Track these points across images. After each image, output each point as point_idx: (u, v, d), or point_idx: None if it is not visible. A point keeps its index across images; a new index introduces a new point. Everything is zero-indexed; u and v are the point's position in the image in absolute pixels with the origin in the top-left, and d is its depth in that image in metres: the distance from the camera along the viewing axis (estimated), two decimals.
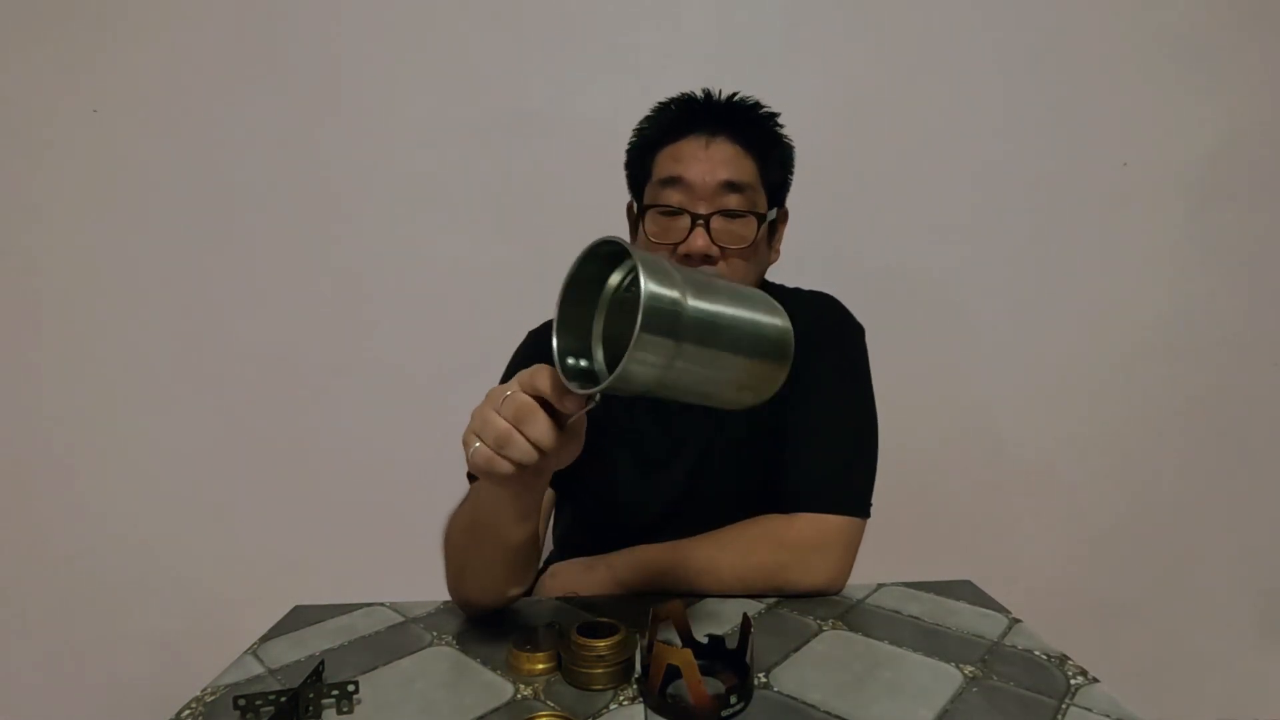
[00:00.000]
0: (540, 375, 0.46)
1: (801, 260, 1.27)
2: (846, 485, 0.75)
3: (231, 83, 1.20)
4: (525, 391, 0.45)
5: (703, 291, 0.44)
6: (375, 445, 1.27)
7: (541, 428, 0.45)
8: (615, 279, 0.49)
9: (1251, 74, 1.27)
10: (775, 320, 0.50)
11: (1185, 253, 1.31)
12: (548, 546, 0.95)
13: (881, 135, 1.26)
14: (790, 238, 1.26)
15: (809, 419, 0.77)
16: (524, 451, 0.45)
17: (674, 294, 0.41)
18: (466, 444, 0.47)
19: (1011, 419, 1.33)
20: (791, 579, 0.71)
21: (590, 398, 0.44)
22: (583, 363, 0.48)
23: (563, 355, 0.47)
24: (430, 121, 1.22)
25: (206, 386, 1.25)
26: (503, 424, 0.45)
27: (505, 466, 0.46)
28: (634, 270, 0.41)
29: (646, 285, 0.40)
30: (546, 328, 0.86)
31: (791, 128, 1.23)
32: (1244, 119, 1.28)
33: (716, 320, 0.44)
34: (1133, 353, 1.33)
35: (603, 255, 0.46)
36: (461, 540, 0.61)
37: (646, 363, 0.41)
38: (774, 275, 0.89)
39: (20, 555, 1.25)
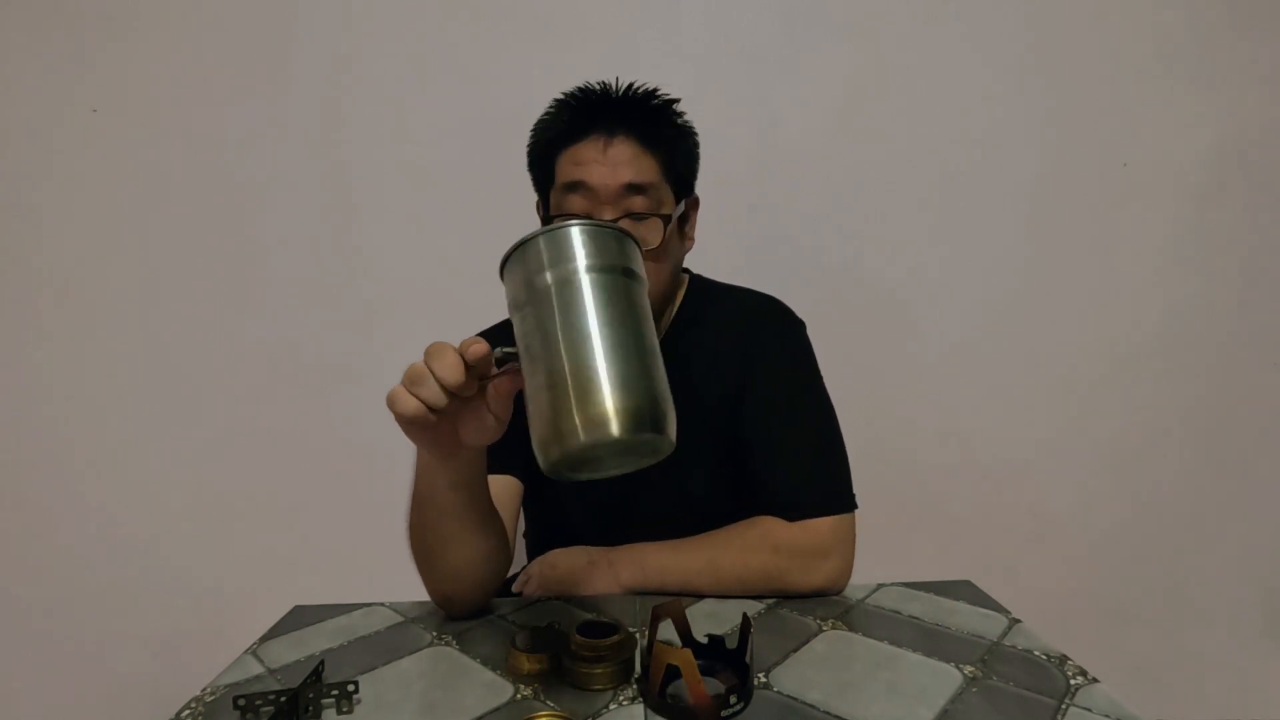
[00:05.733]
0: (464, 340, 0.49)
1: (798, 261, 1.27)
2: (829, 484, 0.75)
3: (231, 82, 1.20)
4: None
5: (609, 293, 0.45)
6: (376, 445, 1.27)
7: (449, 362, 0.48)
8: None
9: (1251, 74, 1.27)
10: (609, 398, 0.41)
11: (1185, 253, 1.31)
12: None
13: (879, 136, 1.26)
14: (788, 238, 1.27)
15: (777, 424, 0.77)
16: (433, 392, 0.48)
17: (589, 256, 0.45)
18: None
19: (1012, 419, 1.33)
20: (794, 582, 0.71)
21: (502, 355, 0.48)
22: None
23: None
24: (430, 121, 1.22)
25: (206, 386, 1.25)
26: (419, 365, 0.49)
27: (411, 403, 0.49)
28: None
29: (581, 222, 0.46)
30: (503, 327, 0.86)
31: (789, 127, 1.25)
32: (1244, 119, 1.28)
33: (584, 312, 0.44)
34: (1133, 352, 1.33)
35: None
36: (414, 525, 0.62)
37: (534, 262, 0.45)
38: (749, 275, 0.88)
39: (20, 555, 1.25)
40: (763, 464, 0.76)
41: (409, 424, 0.51)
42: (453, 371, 0.48)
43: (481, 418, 0.53)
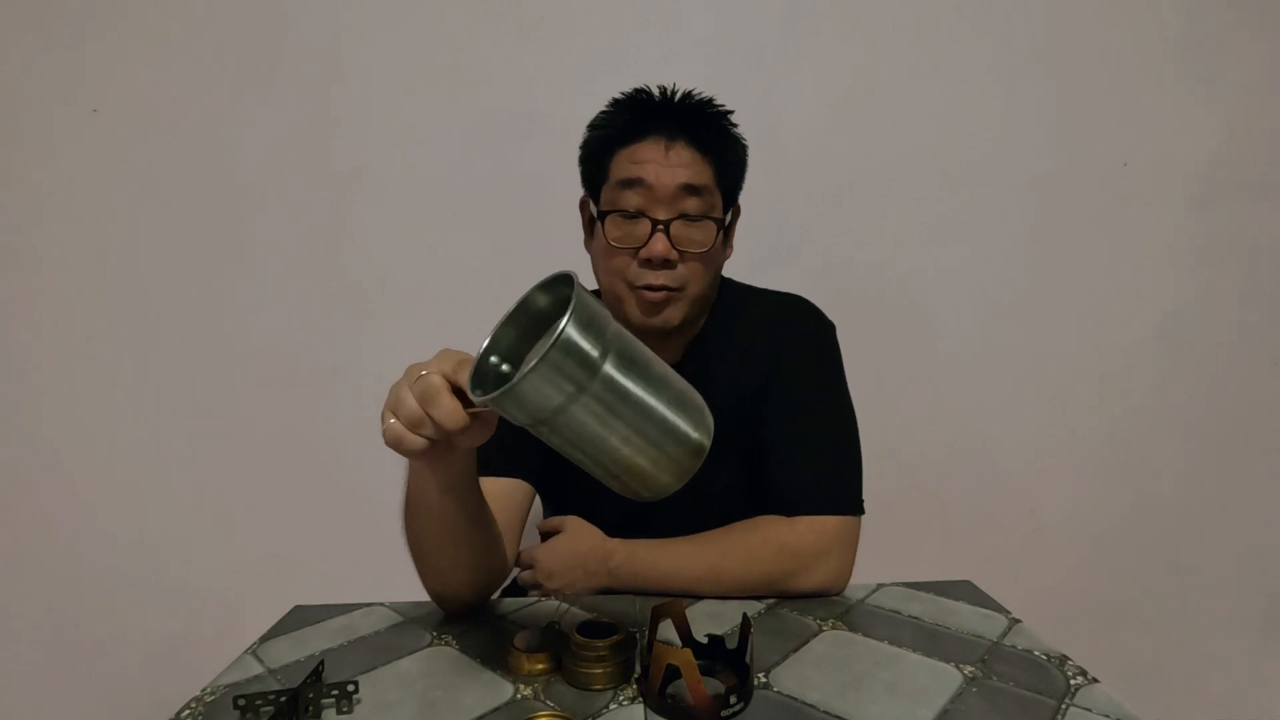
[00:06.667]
0: (457, 361, 0.47)
1: (798, 260, 1.27)
2: (841, 486, 0.77)
3: (232, 82, 1.20)
4: (439, 373, 0.46)
5: (629, 364, 0.43)
6: (375, 445, 1.26)
7: (447, 410, 0.45)
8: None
9: (1251, 74, 1.27)
10: (692, 433, 0.46)
11: (1185, 253, 1.31)
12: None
13: (880, 135, 1.26)
14: (788, 237, 1.27)
15: (794, 422, 0.79)
16: (430, 431, 0.47)
17: (592, 350, 0.41)
18: (383, 419, 0.48)
19: (1012, 419, 1.33)
20: (796, 584, 0.72)
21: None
22: (505, 367, 0.48)
23: (492, 354, 0.48)
24: (430, 121, 1.22)
25: (207, 386, 1.25)
26: (414, 404, 0.46)
27: (414, 443, 0.47)
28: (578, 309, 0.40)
29: (566, 330, 0.39)
30: None
31: (790, 127, 1.25)
32: (1244, 119, 1.28)
33: (626, 397, 0.43)
34: (1133, 352, 1.33)
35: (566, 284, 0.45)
36: (407, 523, 0.62)
37: (535, 396, 0.40)
38: (750, 274, 0.89)
39: (20, 555, 1.25)
40: (775, 461, 0.78)
41: (408, 456, 0.50)
42: (452, 419, 0.45)
43: (478, 432, 0.50)
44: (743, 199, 0.83)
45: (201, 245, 1.23)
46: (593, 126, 0.78)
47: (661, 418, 0.44)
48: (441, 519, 0.59)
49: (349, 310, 1.25)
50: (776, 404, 0.79)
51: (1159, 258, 1.31)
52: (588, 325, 0.41)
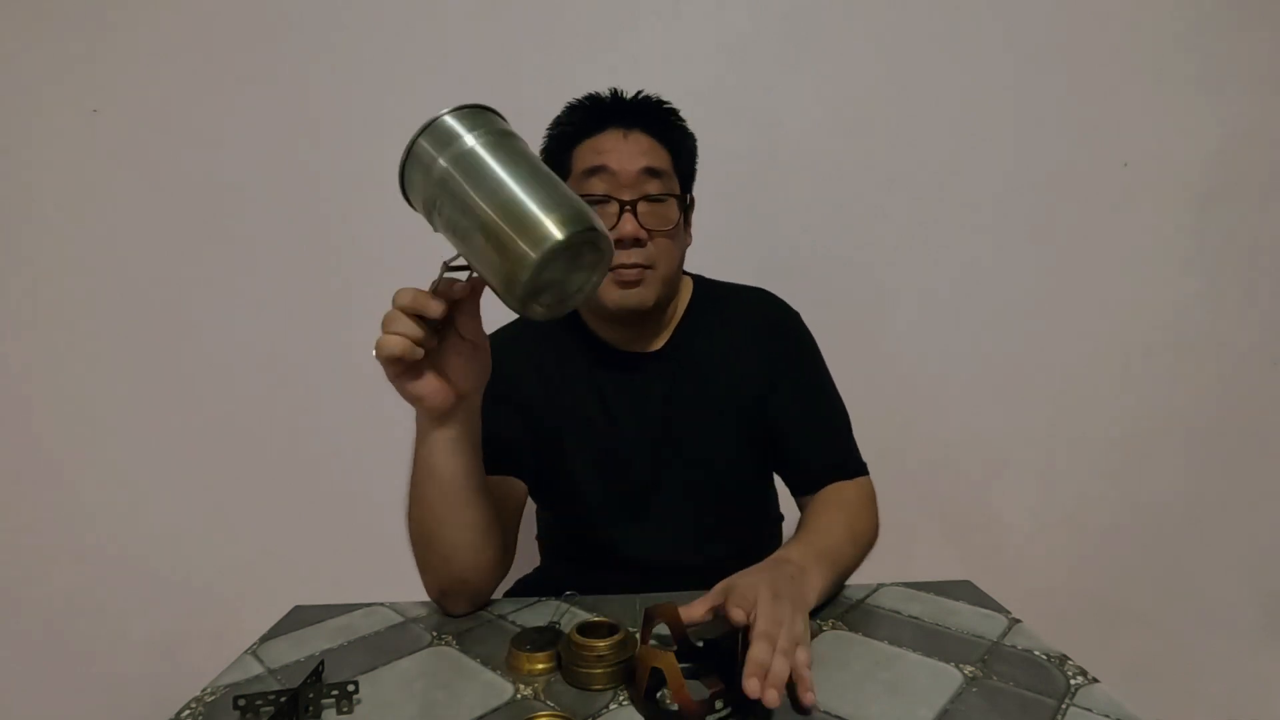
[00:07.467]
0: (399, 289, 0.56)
1: (799, 259, 1.27)
2: (854, 452, 0.85)
3: (232, 82, 1.20)
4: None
5: (494, 147, 0.50)
6: (375, 445, 1.27)
7: (409, 291, 0.54)
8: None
9: (1252, 74, 1.27)
10: (548, 214, 0.48)
11: (1186, 253, 1.31)
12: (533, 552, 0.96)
13: (880, 136, 1.26)
14: (788, 236, 1.27)
15: (810, 406, 0.85)
16: (409, 325, 0.54)
17: (461, 132, 0.50)
18: (382, 347, 0.55)
19: (1013, 419, 1.33)
20: (875, 537, 0.79)
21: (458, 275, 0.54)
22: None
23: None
24: None
25: (206, 386, 1.25)
26: (389, 311, 0.55)
27: (394, 340, 0.54)
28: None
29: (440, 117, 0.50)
30: (508, 329, 0.87)
31: (790, 127, 1.25)
32: (1245, 119, 1.28)
33: (482, 170, 0.49)
34: (1133, 353, 1.33)
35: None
36: (414, 501, 0.65)
37: (419, 165, 0.50)
38: (751, 273, 0.89)
39: (20, 555, 1.25)
40: (810, 438, 0.83)
41: (399, 367, 0.55)
42: (415, 297, 0.54)
43: (461, 351, 0.58)
44: (744, 199, 0.85)
45: (201, 245, 1.23)
46: (553, 127, 0.83)
47: (511, 193, 0.49)
48: (450, 482, 0.62)
49: (349, 310, 1.25)
50: (789, 394, 0.84)
51: (1160, 258, 1.31)
52: (466, 116, 0.51)
